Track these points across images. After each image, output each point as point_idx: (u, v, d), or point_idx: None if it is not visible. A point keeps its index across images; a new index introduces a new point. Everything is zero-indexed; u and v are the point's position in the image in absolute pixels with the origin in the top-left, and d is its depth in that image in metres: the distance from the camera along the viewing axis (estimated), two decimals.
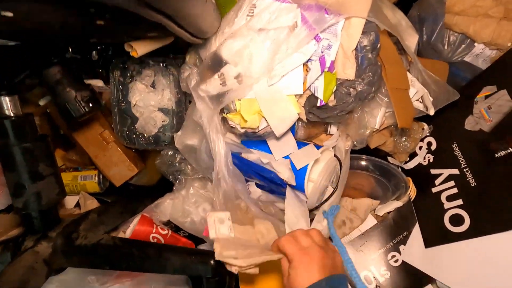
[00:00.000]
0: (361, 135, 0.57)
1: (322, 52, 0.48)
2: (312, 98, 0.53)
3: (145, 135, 0.72)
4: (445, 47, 0.57)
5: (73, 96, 0.46)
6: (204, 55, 0.59)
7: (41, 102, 0.70)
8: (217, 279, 0.51)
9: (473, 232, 0.57)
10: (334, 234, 0.41)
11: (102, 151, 0.71)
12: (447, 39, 0.57)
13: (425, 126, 0.66)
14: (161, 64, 0.70)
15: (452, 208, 0.60)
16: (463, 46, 0.56)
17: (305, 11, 0.47)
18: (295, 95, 0.51)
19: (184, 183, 0.74)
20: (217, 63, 0.53)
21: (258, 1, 0.50)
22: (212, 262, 0.51)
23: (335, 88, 0.49)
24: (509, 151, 0.54)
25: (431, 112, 0.55)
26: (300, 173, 0.56)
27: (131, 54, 0.49)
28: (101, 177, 0.76)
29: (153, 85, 0.71)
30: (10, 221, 0.61)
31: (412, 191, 0.63)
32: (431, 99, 0.54)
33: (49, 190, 0.53)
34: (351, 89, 0.49)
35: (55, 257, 0.53)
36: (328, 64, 0.48)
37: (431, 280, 0.61)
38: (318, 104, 0.51)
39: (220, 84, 0.53)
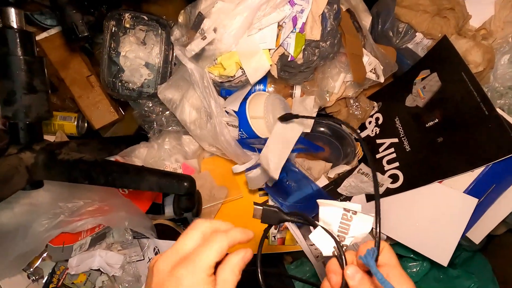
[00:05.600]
0: (322, 98, 0.69)
1: (295, 14, 0.60)
2: (284, 57, 0.65)
3: (130, 85, 0.80)
4: (394, 34, 0.72)
5: (80, 18, 0.54)
6: (193, 16, 0.70)
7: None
8: (188, 197, 0.59)
9: (406, 186, 0.70)
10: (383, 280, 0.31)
11: (86, 93, 0.78)
12: (396, 28, 0.72)
13: (375, 104, 0.80)
14: (155, 22, 0.79)
15: (391, 169, 0.73)
16: (407, 35, 0.71)
17: None
18: (269, 50, 0.63)
19: (159, 134, 0.82)
20: (200, 21, 0.63)
21: None
22: (185, 183, 0.59)
23: (303, 46, 0.62)
24: (436, 121, 0.68)
25: (382, 79, 0.69)
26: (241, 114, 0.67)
27: None
28: (79, 120, 0.82)
29: (144, 41, 0.80)
30: None
31: (360, 152, 0.76)
32: (382, 67, 0.67)
33: (39, 105, 0.59)
34: (316, 50, 0.62)
35: (36, 167, 0.59)
36: (299, 25, 0.61)
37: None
38: (289, 59, 0.63)
39: (201, 39, 0.63)
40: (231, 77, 0.66)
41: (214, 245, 0.30)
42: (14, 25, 0.56)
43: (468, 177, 0.63)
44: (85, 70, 0.78)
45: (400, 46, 0.73)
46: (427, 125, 0.70)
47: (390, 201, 0.71)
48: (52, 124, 0.80)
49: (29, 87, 0.58)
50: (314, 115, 0.70)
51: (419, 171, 0.69)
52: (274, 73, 0.67)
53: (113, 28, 0.78)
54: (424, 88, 0.71)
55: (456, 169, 0.63)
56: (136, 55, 0.80)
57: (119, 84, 0.80)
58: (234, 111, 0.69)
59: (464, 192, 0.63)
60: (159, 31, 0.80)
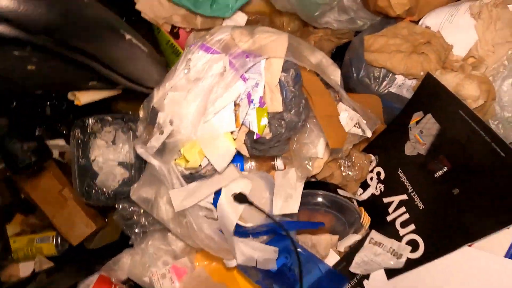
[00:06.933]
0: (303, 168, 0.59)
1: (251, 90, 0.53)
2: (251, 134, 0.57)
3: (105, 190, 0.74)
4: (372, 81, 0.63)
5: (20, 147, 0.49)
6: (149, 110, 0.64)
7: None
8: None
9: (429, 256, 0.56)
10: None
11: (60, 209, 0.72)
12: (372, 74, 0.63)
13: (372, 157, 0.70)
14: (120, 120, 0.75)
15: (407, 234, 0.60)
16: (386, 79, 0.62)
17: (232, 58, 0.54)
18: (232, 132, 0.55)
19: (143, 237, 0.73)
20: (155, 116, 0.58)
21: (193, 55, 0.57)
22: None
23: (267, 121, 0.54)
24: (444, 170, 0.57)
25: (369, 134, 0.59)
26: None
27: (75, 103, 0.54)
28: (59, 238, 0.75)
29: (114, 141, 0.76)
30: None
31: (366, 219, 0.64)
32: (364, 121, 0.58)
33: None
34: (282, 122, 0.54)
35: None
36: (257, 100, 0.53)
37: None
38: (254, 138, 0.55)
39: (159, 133, 0.57)
40: (198, 167, 0.58)
41: None
42: None
43: (506, 236, 0.49)
44: (56, 185, 0.73)
45: (382, 92, 0.64)
46: (436, 175, 0.58)
47: (415, 275, 0.57)
48: (30, 250, 0.74)
49: None
50: (300, 189, 0.60)
51: (441, 234, 0.55)
52: (245, 152, 0.58)
53: (79, 135, 0.74)
54: (422, 132, 0.61)
55: (485, 227, 0.50)
56: (106, 157, 0.75)
57: (93, 191, 0.74)
58: (211, 203, 0.61)
59: (505, 256, 0.49)
60: (126, 128, 0.76)
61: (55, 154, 0.77)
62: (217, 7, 0.67)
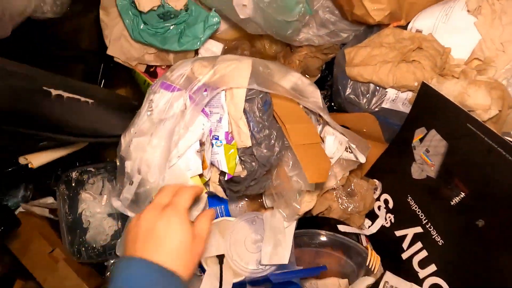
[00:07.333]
0: (290, 208, 0.51)
1: (214, 126, 0.47)
2: (225, 173, 0.49)
3: (95, 246, 0.69)
4: (360, 99, 0.55)
5: None
6: None
7: None
8: None
9: None
10: None
11: (51, 272, 0.67)
12: (359, 90, 0.55)
13: (377, 182, 0.60)
14: (102, 169, 0.71)
15: (428, 276, 0.49)
16: (376, 94, 0.53)
17: (192, 93, 0.48)
18: (201, 175, 0.49)
19: None
20: (123, 166, 0.53)
21: (155, 95, 0.52)
22: None
23: (237, 158, 0.46)
24: (462, 196, 0.46)
25: (362, 159, 0.50)
26: None
27: (29, 166, 0.50)
28: None
29: (100, 193, 0.71)
30: None
31: (374, 261, 0.53)
32: (354, 146, 0.49)
33: None
34: (254, 157, 0.46)
35: None
36: (223, 136, 0.46)
37: None
38: (226, 178, 0.47)
39: (129, 184, 0.51)
40: None
41: (185, 195, 0.38)
42: None
43: None
44: (46, 246, 0.69)
45: (374, 109, 0.55)
46: (452, 203, 0.47)
47: None
48: None
49: None
50: (290, 233, 0.51)
51: (470, 277, 0.44)
52: (222, 194, 0.51)
53: (64, 191, 0.70)
54: (428, 151, 0.50)
55: None
56: (94, 211, 0.70)
57: (83, 249, 0.69)
58: None
59: None
60: (111, 177, 0.71)
61: (45, 212, 0.74)
62: (186, 40, 0.62)
